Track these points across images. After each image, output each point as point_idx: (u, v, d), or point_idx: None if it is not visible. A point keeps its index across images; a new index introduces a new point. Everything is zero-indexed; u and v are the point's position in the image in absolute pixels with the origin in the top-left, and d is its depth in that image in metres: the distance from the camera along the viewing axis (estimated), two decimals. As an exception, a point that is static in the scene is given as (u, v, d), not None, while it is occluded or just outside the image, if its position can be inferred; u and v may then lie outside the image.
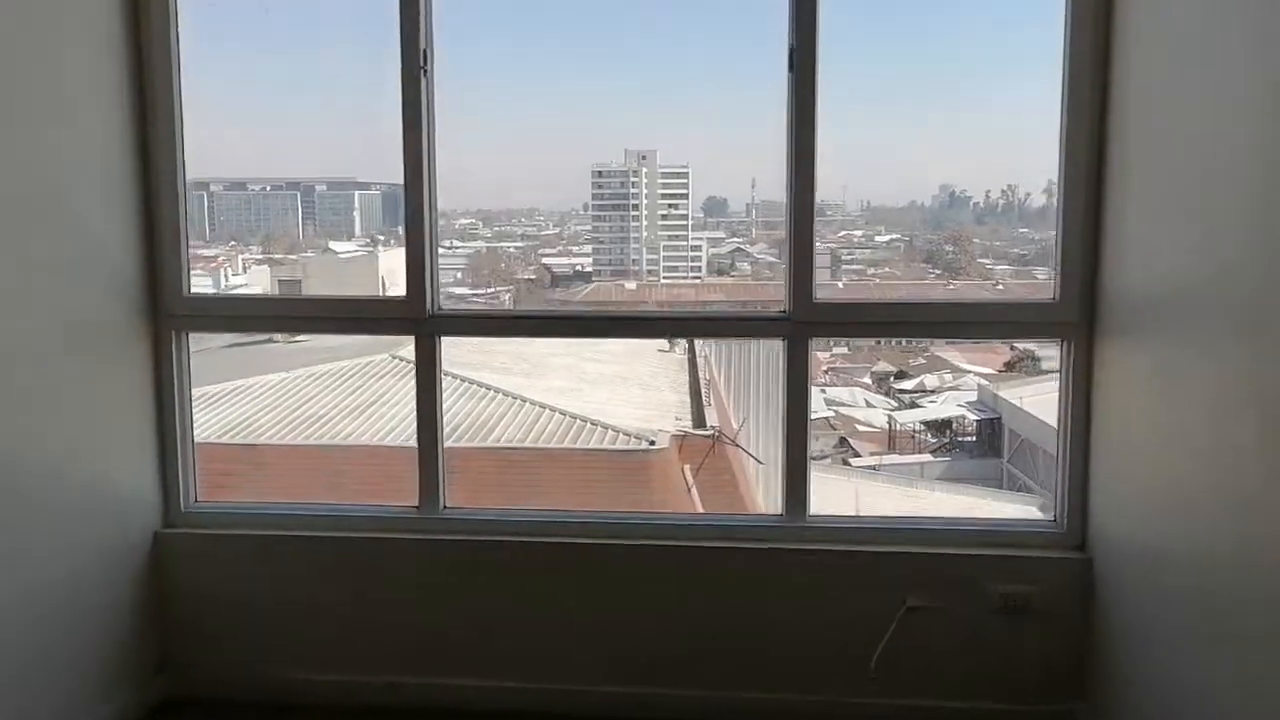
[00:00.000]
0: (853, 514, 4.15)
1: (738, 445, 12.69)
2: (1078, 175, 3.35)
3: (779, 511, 3.70)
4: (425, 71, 3.50)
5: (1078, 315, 3.39)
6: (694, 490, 12.07)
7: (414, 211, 3.62)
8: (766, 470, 18.75)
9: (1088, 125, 3.28)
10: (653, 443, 12.07)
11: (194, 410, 4.30)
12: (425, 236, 3.67)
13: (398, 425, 13.58)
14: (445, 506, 3.85)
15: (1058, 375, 3.51)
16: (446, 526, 3.75)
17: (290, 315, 4.22)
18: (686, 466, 12.16)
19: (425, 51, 3.50)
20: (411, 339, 3.69)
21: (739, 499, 12.42)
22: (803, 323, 3.54)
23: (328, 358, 17.35)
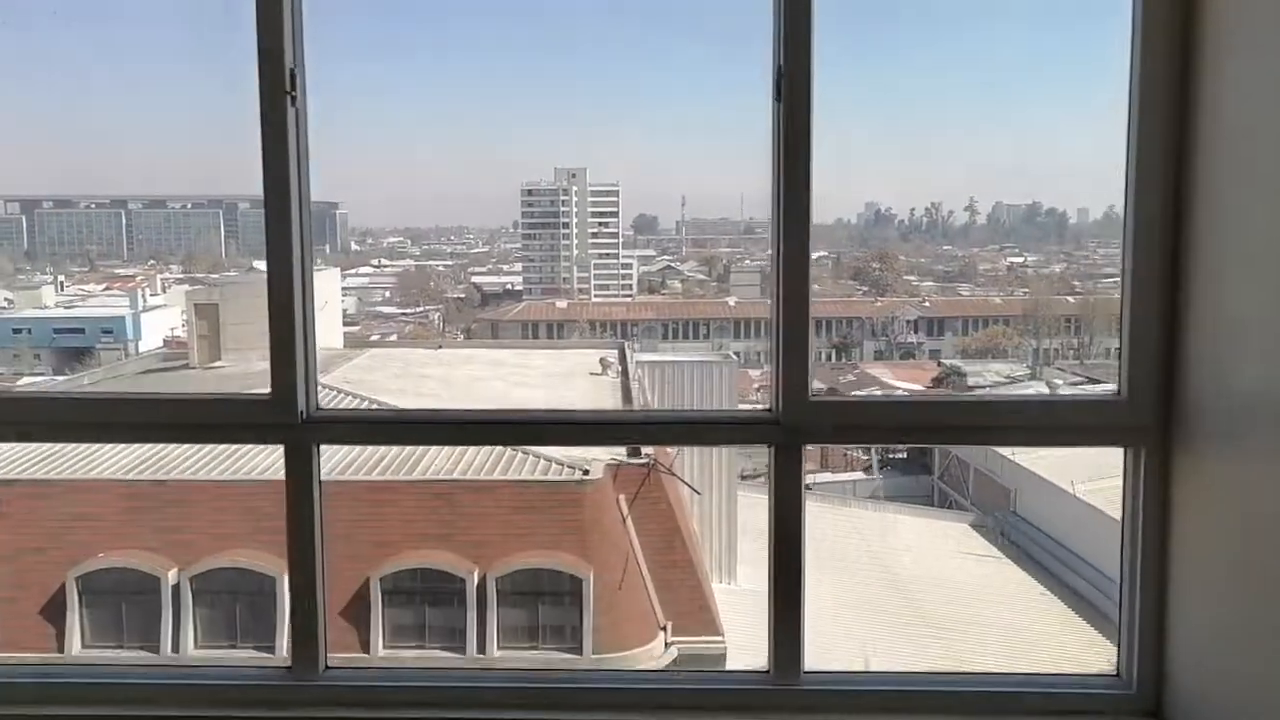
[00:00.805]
0: (862, 669, 3.32)
1: (674, 474, 12.64)
2: (1150, 233, 2.62)
3: (764, 667, 2.89)
4: (293, 98, 2.70)
5: (1151, 418, 2.68)
6: (629, 521, 11.98)
7: (279, 276, 2.70)
8: (704, 502, 18.61)
9: (1162, 165, 2.60)
10: (586, 472, 11.96)
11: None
12: (296, 311, 2.72)
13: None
14: (327, 668, 2.84)
15: (1121, 490, 2.84)
16: (330, 696, 2.77)
17: (107, 422, 2.97)
18: (621, 496, 12.07)
19: (293, 73, 2.69)
20: (279, 448, 2.78)
21: (676, 531, 12.34)
22: (796, 428, 2.81)
23: (242, 387, 16.89)
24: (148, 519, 11.64)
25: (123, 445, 13.33)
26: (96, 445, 13.39)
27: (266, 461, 12.64)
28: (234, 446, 13.21)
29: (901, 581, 21.93)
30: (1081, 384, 50.41)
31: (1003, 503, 28.92)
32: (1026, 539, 26.10)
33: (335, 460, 12.63)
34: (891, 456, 39.84)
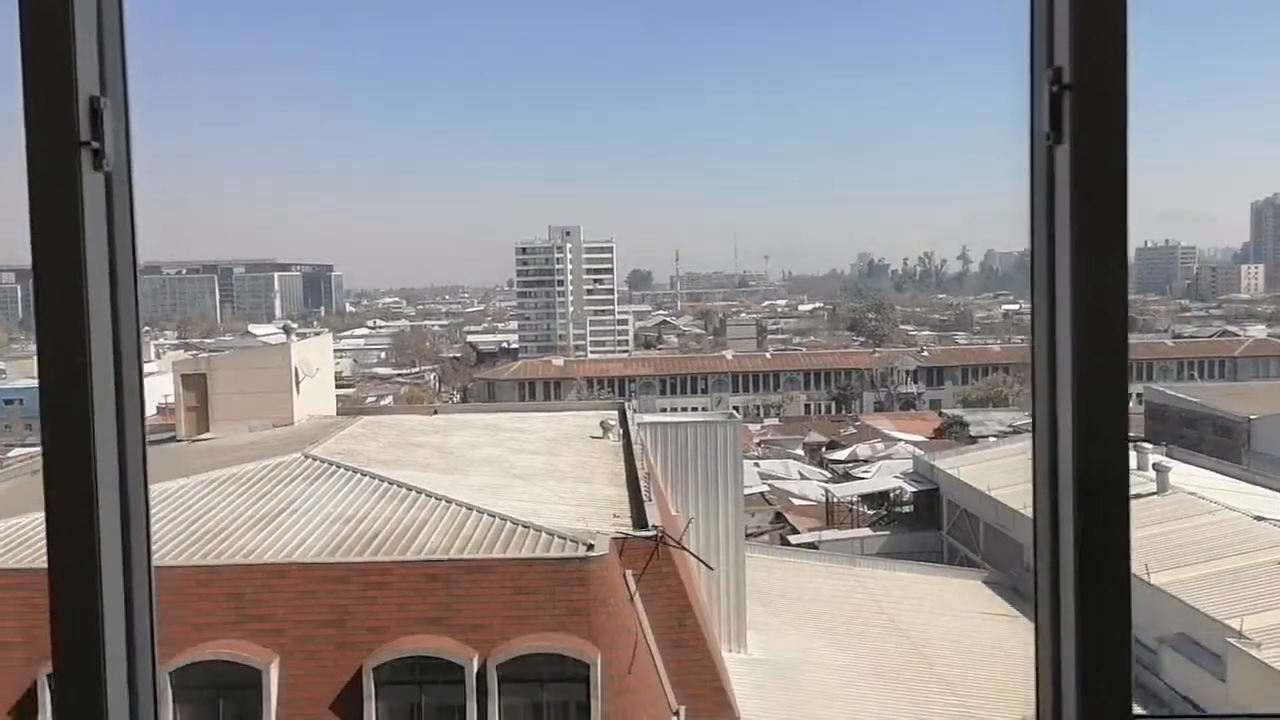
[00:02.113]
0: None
1: (684, 549, 12.01)
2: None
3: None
4: (95, 152, 1.73)
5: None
6: (637, 599, 11.33)
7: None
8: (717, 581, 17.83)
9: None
10: (591, 547, 11.30)
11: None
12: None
13: (310, 534, 12.59)
14: None
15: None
16: None
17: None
18: (629, 572, 11.43)
19: (96, 109, 1.73)
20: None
21: (687, 607, 11.69)
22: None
23: (231, 460, 16.22)
24: (126, 609, 10.99)
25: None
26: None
27: (253, 543, 12.04)
28: (216, 530, 12.60)
29: (916, 643, 21.20)
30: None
31: (1015, 558, 28.22)
32: (1043, 596, 25.33)
33: (325, 539, 12.02)
34: (899, 511, 39.24)
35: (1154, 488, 25.48)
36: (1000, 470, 31.55)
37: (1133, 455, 29.27)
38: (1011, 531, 27.24)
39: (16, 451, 70.57)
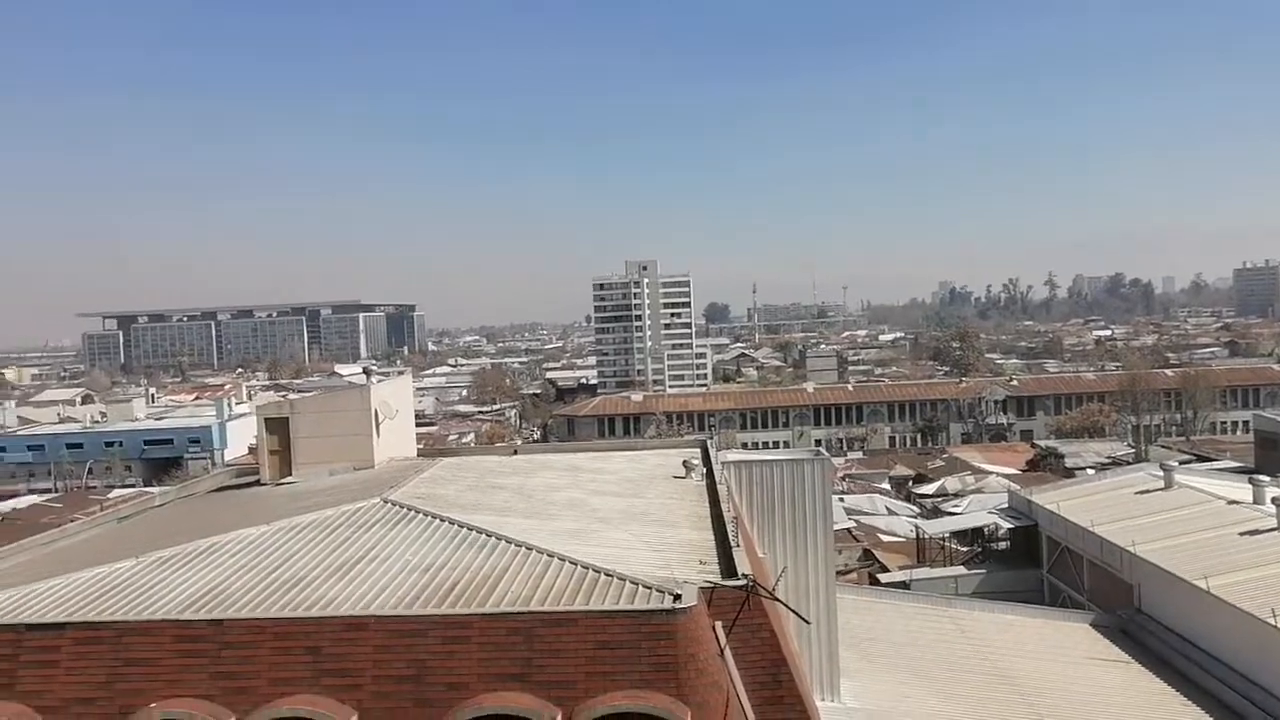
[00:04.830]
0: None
1: (777, 599, 11.32)
2: None
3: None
4: None
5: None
6: (727, 653, 10.69)
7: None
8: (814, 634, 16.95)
9: None
10: (678, 597, 10.71)
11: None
12: None
13: (389, 584, 12.23)
14: None
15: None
16: None
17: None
18: (718, 624, 10.82)
19: None
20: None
21: (781, 661, 10.99)
22: None
23: (312, 505, 16.00)
24: (204, 663, 10.71)
25: (180, 579, 12.56)
26: (155, 578, 12.65)
27: (331, 593, 11.71)
28: (295, 579, 12.33)
29: (1025, 693, 19.99)
30: (1191, 462, 47.25)
31: (1125, 600, 26.67)
32: (1158, 641, 23.85)
33: (404, 589, 11.64)
34: (994, 548, 37.67)
35: (1274, 523, 23.82)
36: (1103, 505, 30.03)
37: (1247, 488, 27.61)
38: (1119, 571, 25.76)
39: (116, 492, 72.87)
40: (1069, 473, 53.24)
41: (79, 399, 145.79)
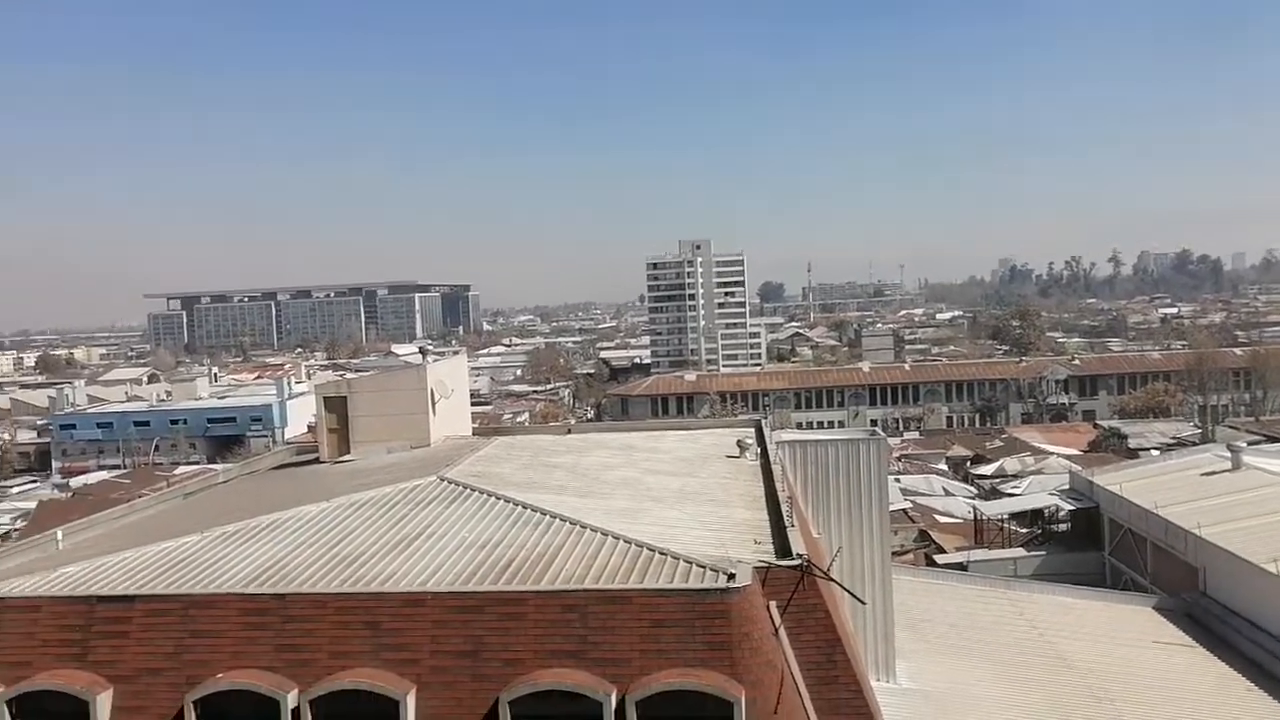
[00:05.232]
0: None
1: (832, 579, 11.24)
2: None
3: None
4: None
5: None
6: (782, 633, 10.65)
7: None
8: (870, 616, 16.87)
9: None
10: (732, 576, 10.69)
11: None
12: None
13: (445, 561, 12.37)
14: None
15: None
16: None
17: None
18: (773, 603, 10.77)
19: None
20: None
21: (836, 641, 10.93)
22: None
23: (370, 482, 16.24)
24: (267, 636, 10.95)
25: (244, 554, 12.83)
26: (219, 552, 12.95)
27: (390, 569, 11.90)
28: (355, 554, 12.54)
29: (1085, 676, 19.68)
30: (1260, 443, 45.92)
31: (1190, 583, 26.07)
32: (1223, 625, 23.31)
33: (460, 566, 11.78)
34: (1054, 530, 37.05)
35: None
36: (1168, 486, 29.36)
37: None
38: (1184, 553, 25.20)
39: (181, 469, 74.75)
40: (1132, 454, 52.15)
41: (145, 378, 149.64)
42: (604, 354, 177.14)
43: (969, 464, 61.69)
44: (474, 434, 23.26)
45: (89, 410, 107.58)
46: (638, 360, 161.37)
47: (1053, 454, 57.51)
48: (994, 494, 47.83)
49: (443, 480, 15.61)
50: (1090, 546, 31.42)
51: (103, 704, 10.84)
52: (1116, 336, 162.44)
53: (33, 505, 54.68)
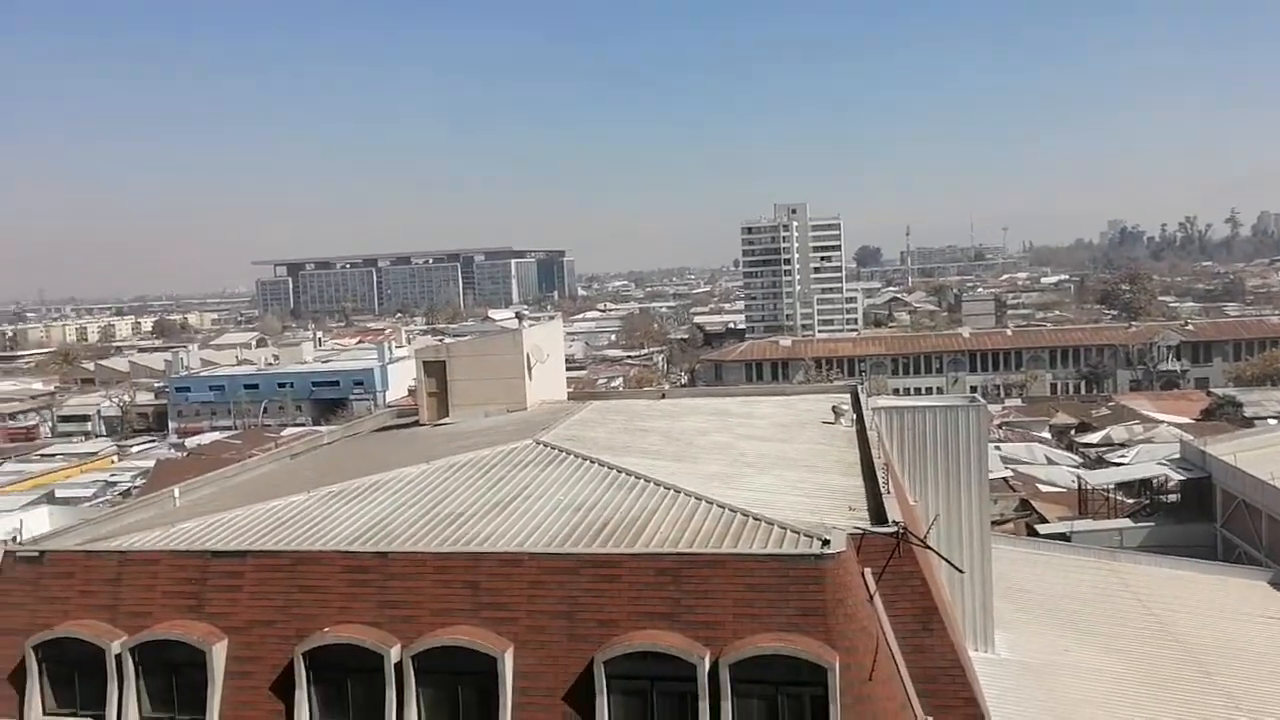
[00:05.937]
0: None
1: (929, 548, 11.07)
2: None
3: None
4: None
5: None
6: (877, 599, 10.55)
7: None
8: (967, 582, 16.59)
9: None
10: (826, 543, 10.61)
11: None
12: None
13: (542, 522, 12.57)
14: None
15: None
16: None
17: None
18: (868, 570, 10.66)
19: None
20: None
21: (933, 610, 10.79)
22: None
23: (468, 445, 16.54)
24: (370, 592, 11.31)
25: (348, 513, 13.25)
26: (325, 511, 13.40)
27: (488, 529, 12.15)
28: (454, 515, 12.83)
29: (1194, 650, 19.06)
30: (1388, 413, 43.11)
31: (1310, 557, 25.00)
32: (1346, 602, 22.25)
33: (556, 528, 11.96)
34: (1163, 501, 35.79)
35: None
36: (1288, 457, 28.08)
37: None
38: (1303, 527, 24.12)
39: (288, 431, 77.48)
40: (1248, 422, 49.92)
41: (254, 343, 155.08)
42: (698, 319, 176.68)
43: (1073, 432, 59.89)
44: (569, 399, 23.51)
45: (202, 373, 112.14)
46: (732, 325, 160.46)
47: (1163, 422, 55.42)
48: (1099, 463, 46.36)
49: (539, 443, 15.83)
50: (1201, 518, 30.28)
51: (218, 654, 11.38)
52: (1233, 301, 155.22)
53: (151, 464, 57.30)
